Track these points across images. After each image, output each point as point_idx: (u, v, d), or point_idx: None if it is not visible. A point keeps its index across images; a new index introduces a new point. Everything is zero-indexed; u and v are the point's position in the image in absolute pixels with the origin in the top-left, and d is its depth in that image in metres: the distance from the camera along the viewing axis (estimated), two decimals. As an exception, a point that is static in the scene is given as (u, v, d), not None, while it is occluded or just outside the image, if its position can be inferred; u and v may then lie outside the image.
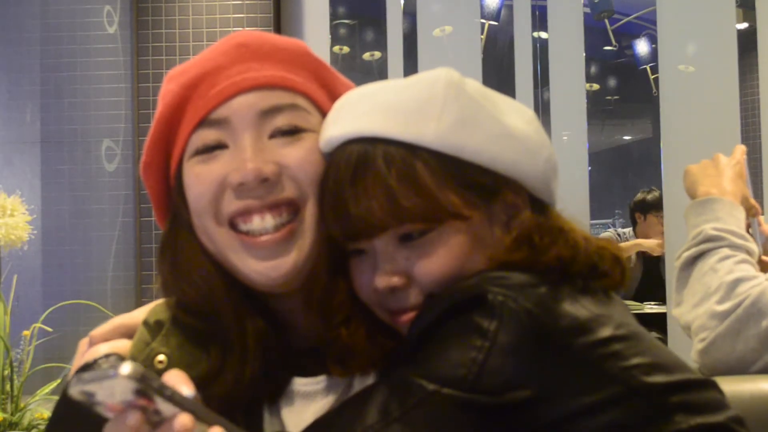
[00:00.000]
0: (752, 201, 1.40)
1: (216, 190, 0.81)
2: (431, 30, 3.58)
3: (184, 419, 0.55)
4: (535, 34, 3.89)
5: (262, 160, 0.80)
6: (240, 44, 0.86)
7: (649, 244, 4.05)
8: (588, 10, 4.63)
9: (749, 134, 3.91)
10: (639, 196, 4.28)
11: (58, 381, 2.19)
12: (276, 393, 0.84)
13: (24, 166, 3.34)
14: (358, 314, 0.83)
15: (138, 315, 0.90)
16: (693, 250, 1.31)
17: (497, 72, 4.37)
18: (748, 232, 1.34)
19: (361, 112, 0.81)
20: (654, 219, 4.07)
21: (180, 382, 0.59)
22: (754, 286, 1.22)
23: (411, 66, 3.52)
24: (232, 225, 0.82)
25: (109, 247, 3.35)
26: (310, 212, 0.82)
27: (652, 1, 3.17)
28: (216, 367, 0.80)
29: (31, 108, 3.35)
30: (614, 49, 6.11)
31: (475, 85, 0.83)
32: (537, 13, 3.87)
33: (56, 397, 0.90)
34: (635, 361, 0.71)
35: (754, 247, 1.31)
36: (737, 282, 1.23)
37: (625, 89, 6.84)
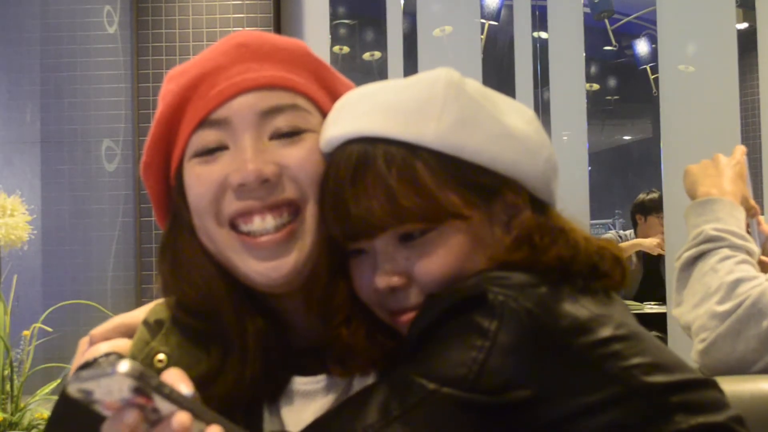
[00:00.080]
0: (752, 201, 1.40)
1: (217, 191, 0.81)
2: (431, 30, 3.58)
3: (182, 417, 0.55)
4: (535, 34, 3.89)
5: (262, 161, 0.80)
6: (240, 44, 0.86)
7: (648, 242, 4.05)
8: (588, 10, 4.63)
9: (749, 134, 3.91)
10: (640, 197, 4.29)
11: (58, 381, 2.19)
12: (276, 392, 0.84)
13: (24, 166, 3.34)
14: (358, 314, 0.83)
15: (138, 314, 0.90)
16: (693, 251, 1.31)
17: (497, 72, 4.36)
18: (747, 232, 1.34)
19: (361, 112, 0.81)
20: (655, 220, 4.07)
21: (178, 380, 0.58)
22: (755, 287, 1.22)
23: (411, 66, 3.52)
24: (233, 226, 0.82)
25: (109, 247, 3.35)
26: (310, 213, 0.82)
27: (652, 1, 3.17)
28: (216, 367, 0.80)
29: (31, 108, 3.35)
30: (614, 49, 6.11)
31: (475, 85, 0.83)
32: (537, 13, 3.87)
33: (56, 397, 0.90)
34: (635, 361, 0.71)
35: (755, 247, 1.31)
36: (737, 282, 1.23)
37: (625, 89, 6.84)
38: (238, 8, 3.42)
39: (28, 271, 3.00)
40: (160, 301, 0.89)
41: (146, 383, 0.54)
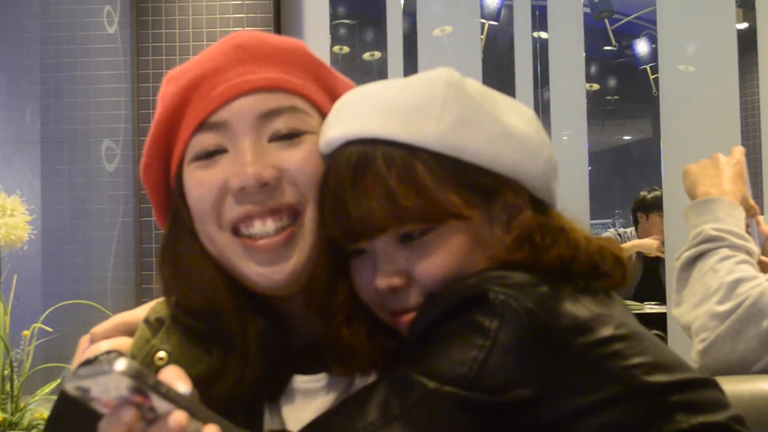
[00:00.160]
0: (751, 201, 1.40)
1: (217, 195, 0.82)
2: (431, 30, 3.58)
3: (178, 416, 0.55)
4: (535, 34, 3.89)
5: (261, 165, 0.80)
6: (238, 45, 0.85)
7: (647, 243, 4.04)
8: (588, 10, 4.63)
9: (749, 134, 3.90)
10: (641, 194, 4.27)
11: (58, 381, 2.19)
12: (277, 391, 0.84)
13: (24, 166, 3.34)
14: (358, 314, 0.83)
15: (139, 313, 0.90)
16: (693, 251, 1.31)
17: (497, 72, 4.36)
18: (747, 232, 1.34)
19: (360, 113, 0.81)
20: (656, 218, 4.05)
21: (176, 378, 0.58)
22: (755, 287, 1.22)
23: (411, 66, 3.52)
24: (234, 230, 0.82)
25: (109, 247, 3.35)
26: (309, 215, 0.82)
27: (652, 1, 3.17)
28: (217, 367, 0.80)
29: (31, 108, 3.35)
30: (614, 49, 6.11)
31: (475, 84, 0.83)
32: (537, 13, 3.87)
33: (56, 397, 0.90)
34: (636, 360, 0.71)
35: (754, 247, 1.31)
36: (737, 282, 1.23)
37: (625, 89, 6.84)
38: (238, 8, 3.42)
39: (28, 271, 3.00)
40: (161, 299, 0.89)
41: (143, 382, 0.54)
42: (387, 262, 0.79)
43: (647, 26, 5.71)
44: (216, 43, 0.88)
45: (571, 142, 3.61)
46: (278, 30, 3.43)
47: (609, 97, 6.89)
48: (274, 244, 0.81)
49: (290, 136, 0.83)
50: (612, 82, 6.88)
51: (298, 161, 0.82)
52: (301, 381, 0.84)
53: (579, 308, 0.72)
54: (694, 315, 1.27)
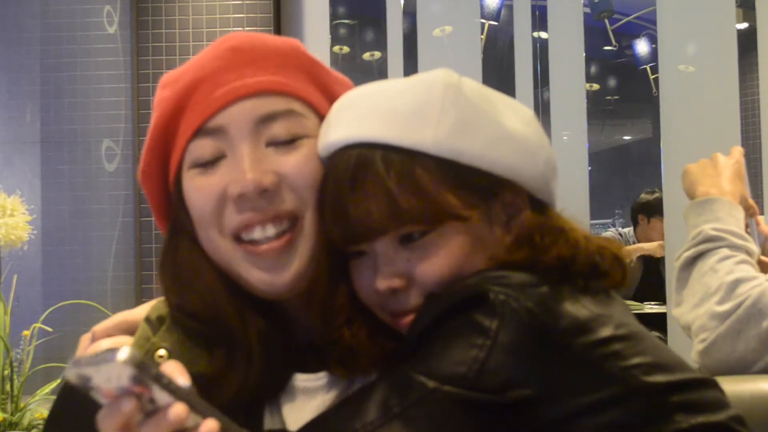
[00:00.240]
0: (750, 201, 1.40)
1: (218, 202, 0.82)
2: (431, 30, 3.58)
3: (178, 408, 0.55)
4: (535, 34, 3.89)
5: (260, 171, 0.80)
6: (233, 48, 0.85)
7: (650, 247, 4.02)
8: (588, 10, 4.63)
9: (749, 134, 3.90)
10: (643, 197, 4.22)
11: (58, 381, 2.19)
12: (277, 390, 0.84)
13: (24, 166, 3.34)
14: (359, 315, 0.83)
15: (140, 311, 0.90)
16: (692, 251, 1.31)
17: (497, 72, 4.37)
18: (746, 232, 1.34)
19: (358, 116, 0.81)
20: (658, 223, 4.00)
21: (176, 373, 0.58)
22: (755, 287, 1.22)
23: (411, 66, 3.52)
24: (236, 236, 0.82)
25: (109, 247, 3.35)
26: (309, 220, 0.82)
27: (652, 1, 3.17)
28: (220, 371, 0.80)
29: (31, 108, 3.35)
30: (614, 49, 6.12)
31: (473, 85, 0.83)
32: (537, 13, 3.87)
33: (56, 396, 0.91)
34: (635, 360, 0.71)
35: (754, 247, 1.31)
36: (737, 282, 1.23)
37: (625, 89, 6.84)
38: (238, 8, 3.41)
39: (28, 271, 3.00)
40: (163, 298, 0.89)
41: (145, 372, 0.54)
42: (387, 264, 0.79)
43: (647, 26, 5.71)
44: (210, 45, 0.88)
45: (571, 142, 3.61)
46: (278, 30, 3.42)
47: (609, 97, 6.90)
48: (275, 249, 0.81)
49: (288, 141, 0.83)
50: (612, 82, 6.89)
51: (296, 166, 0.82)
52: (301, 379, 0.84)
53: (579, 308, 0.72)
54: (694, 315, 1.27)
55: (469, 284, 0.75)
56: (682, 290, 1.32)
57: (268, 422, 0.82)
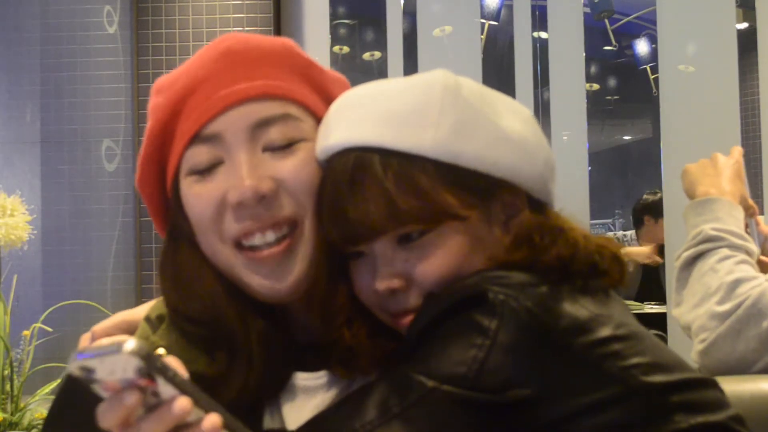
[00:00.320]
0: (750, 201, 1.40)
1: (216, 209, 0.82)
2: (431, 30, 3.58)
3: (183, 402, 0.55)
4: (535, 34, 3.89)
5: (258, 177, 0.80)
6: (226, 51, 0.85)
7: (637, 252, 3.96)
8: (588, 10, 4.63)
9: (749, 134, 3.90)
10: (647, 198, 4.17)
11: (58, 381, 2.19)
12: (278, 389, 0.84)
13: (24, 166, 3.34)
14: (359, 316, 0.83)
15: (140, 311, 0.90)
16: (692, 251, 1.31)
17: (497, 72, 4.37)
18: (746, 232, 1.34)
19: (356, 120, 0.80)
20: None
21: (178, 368, 0.58)
22: (755, 287, 1.22)
23: (411, 66, 3.52)
24: (236, 243, 0.82)
25: (109, 247, 3.35)
26: (308, 224, 0.82)
27: (652, 1, 3.17)
28: (221, 373, 0.80)
29: (31, 108, 3.35)
30: (614, 49, 6.12)
31: (471, 86, 0.82)
32: (537, 13, 3.87)
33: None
34: (634, 360, 0.71)
35: (754, 247, 1.31)
36: (737, 282, 1.23)
37: (625, 89, 6.85)
38: (238, 8, 3.41)
39: (28, 271, 3.00)
40: (163, 297, 0.89)
41: (151, 364, 0.54)
42: (386, 265, 0.79)
43: (647, 26, 5.72)
44: (202, 48, 0.87)
45: (571, 142, 3.61)
46: (278, 30, 3.42)
47: (609, 97, 6.90)
48: (275, 255, 0.81)
49: (285, 146, 0.82)
50: (612, 82, 6.89)
51: (293, 171, 0.82)
52: (302, 378, 0.84)
53: (578, 308, 0.72)
54: (694, 315, 1.27)
55: (468, 284, 0.75)
56: (682, 290, 1.32)
57: (268, 421, 0.82)
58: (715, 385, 0.77)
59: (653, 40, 5.55)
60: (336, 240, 0.81)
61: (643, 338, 0.74)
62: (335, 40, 4.84)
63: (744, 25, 3.91)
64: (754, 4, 3.22)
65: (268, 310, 0.84)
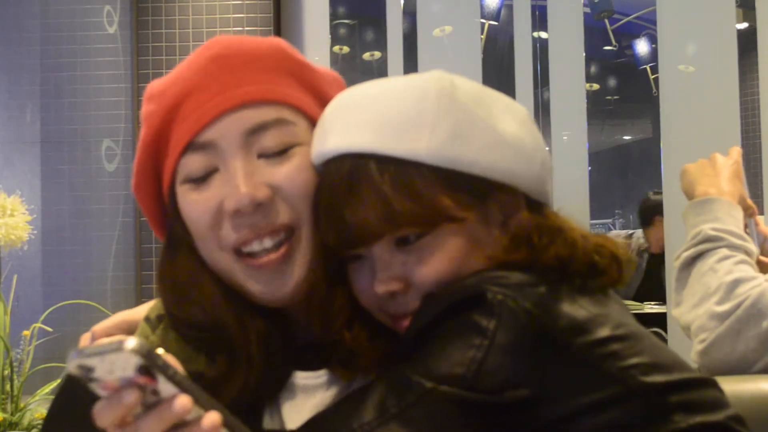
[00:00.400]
0: (749, 201, 1.40)
1: (213, 217, 0.81)
2: (431, 30, 3.58)
3: (183, 400, 0.55)
4: (535, 34, 3.89)
5: (254, 184, 0.80)
6: (217, 56, 0.84)
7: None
8: (588, 10, 4.63)
9: (749, 134, 3.90)
10: (653, 198, 4.10)
11: (58, 381, 2.19)
12: (278, 388, 0.84)
13: (24, 166, 3.34)
14: (359, 317, 0.83)
15: (140, 311, 0.90)
16: (692, 251, 1.31)
17: (497, 72, 4.36)
18: (745, 232, 1.34)
19: (351, 125, 0.80)
20: None
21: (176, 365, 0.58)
22: (754, 287, 1.22)
23: (411, 66, 3.52)
24: (235, 250, 0.82)
25: (109, 247, 3.35)
26: (305, 230, 0.82)
27: (652, 1, 3.17)
28: (221, 375, 0.80)
29: (31, 108, 3.35)
30: (614, 49, 6.11)
31: (466, 88, 0.82)
32: (537, 13, 3.87)
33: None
34: (633, 360, 0.71)
35: (753, 247, 1.31)
36: (737, 283, 1.23)
37: (625, 89, 6.84)
38: (238, 8, 3.41)
39: (28, 271, 3.00)
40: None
41: (153, 362, 0.53)
42: (384, 268, 0.79)
43: (647, 26, 5.71)
44: (193, 53, 0.86)
45: (571, 142, 3.61)
46: (278, 30, 3.42)
47: (609, 97, 6.89)
48: (274, 261, 0.81)
49: (279, 152, 0.82)
50: (612, 82, 6.89)
51: (289, 177, 0.81)
52: (301, 377, 0.84)
53: (577, 309, 0.72)
54: (694, 315, 1.27)
55: (466, 284, 0.75)
56: (682, 290, 1.32)
57: (268, 420, 0.82)
58: (715, 385, 0.77)
59: (653, 40, 5.55)
60: (334, 244, 0.81)
61: (642, 338, 0.74)
62: (335, 40, 4.84)
63: (744, 25, 3.90)
64: (754, 4, 3.23)
65: (268, 311, 0.84)
